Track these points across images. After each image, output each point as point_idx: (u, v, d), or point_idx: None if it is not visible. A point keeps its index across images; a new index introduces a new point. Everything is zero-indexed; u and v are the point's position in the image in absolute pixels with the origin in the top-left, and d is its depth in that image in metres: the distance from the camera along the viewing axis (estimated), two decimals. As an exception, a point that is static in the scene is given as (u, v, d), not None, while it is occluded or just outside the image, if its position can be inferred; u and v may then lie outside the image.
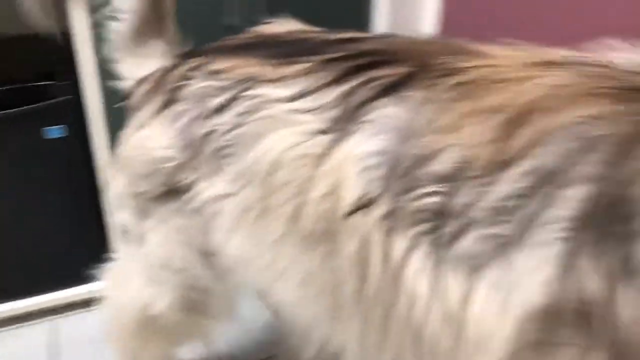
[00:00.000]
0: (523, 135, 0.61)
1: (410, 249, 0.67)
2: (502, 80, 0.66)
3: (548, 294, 0.58)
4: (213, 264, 1.01)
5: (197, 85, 0.91)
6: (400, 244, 0.68)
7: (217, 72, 0.89)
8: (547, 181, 0.59)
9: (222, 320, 1.12)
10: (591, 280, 0.56)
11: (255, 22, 1.00)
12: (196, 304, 1.07)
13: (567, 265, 0.57)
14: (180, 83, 0.93)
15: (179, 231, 0.99)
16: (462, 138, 0.64)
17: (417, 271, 0.66)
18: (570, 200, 0.57)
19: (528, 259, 0.59)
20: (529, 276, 0.59)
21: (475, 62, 0.70)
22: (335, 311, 0.79)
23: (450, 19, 1.41)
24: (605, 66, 0.62)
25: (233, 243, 0.91)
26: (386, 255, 0.69)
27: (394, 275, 0.68)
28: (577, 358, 0.58)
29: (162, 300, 1.05)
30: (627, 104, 0.57)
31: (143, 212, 1.01)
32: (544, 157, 0.59)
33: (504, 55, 0.70)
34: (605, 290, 0.56)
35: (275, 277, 0.87)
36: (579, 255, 0.57)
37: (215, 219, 0.92)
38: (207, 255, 1.00)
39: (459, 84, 0.68)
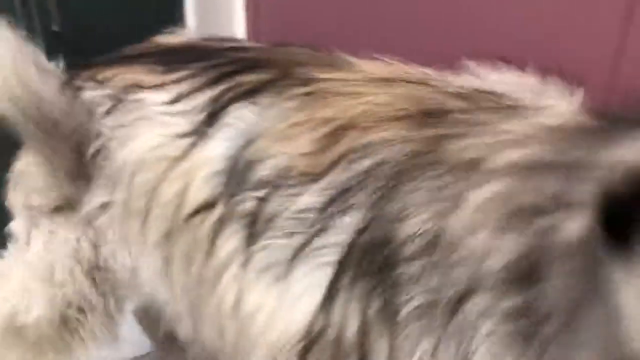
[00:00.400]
0: (334, 151, 0.61)
1: (232, 255, 0.67)
2: (342, 94, 0.66)
3: (309, 323, 0.58)
4: (97, 281, 0.99)
5: (87, 94, 0.91)
6: (224, 249, 0.68)
7: (104, 81, 0.90)
8: (336, 201, 0.58)
9: (98, 344, 1.05)
10: (352, 319, 0.56)
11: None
12: (70, 322, 1.03)
13: (332, 296, 0.57)
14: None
15: (66, 244, 0.98)
16: (289, 147, 0.65)
17: (234, 276, 0.67)
18: (347, 226, 0.57)
19: (304, 279, 0.59)
20: (299, 299, 0.59)
21: (332, 74, 0.70)
22: (177, 302, 0.82)
23: (257, 22, 1.41)
24: (428, 86, 0.62)
25: (120, 254, 0.91)
26: (210, 258, 0.69)
27: (214, 278, 0.69)
28: None
29: (32, 312, 1.02)
30: (419, 129, 0.57)
31: (31, 222, 1.00)
32: (341, 176, 0.59)
33: (363, 70, 0.70)
34: (361, 333, 0.55)
35: (147, 279, 0.88)
36: (345, 287, 0.56)
37: (103, 230, 0.92)
38: (94, 269, 0.99)
39: (305, 93, 0.68)
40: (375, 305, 0.54)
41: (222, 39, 0.93)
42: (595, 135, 0.47)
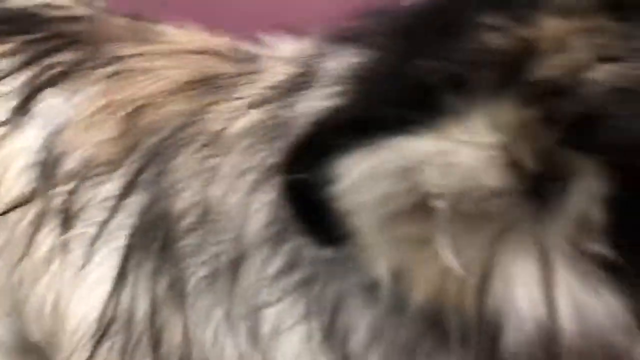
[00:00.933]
0: (132, 134, 0.60)
1: (52, 251, 0.65)
2: (145, 71, 0.64)
3: (101, 312, 0.58)
4: None
5: None
6: (45, 245, 0.66)
7: None
8: (130, 184, 0.58)
9: None
10: (142, 300, 0.56)
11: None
12: None
13: (122, 280, 0.57)
14: None
15: None
16: (93, 135, 0.63)
17: (54, 274, 0.65)
18: (134, 207, 0.57)
19: (98, 268, 0.59)
20: (93, 289, 0.59)
21: (139, 48, 0.68)
22: None
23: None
24: (217, 56, 0.62)
25: None
26: (29, 257, 0.67)
27: (34, 278, 0.67)
28: None
29: None
30: (197, 100, 0.58)
31: None
32: (135, 158, 0.59)
33: (171, 41, 0.68)
34: (151, 313, 0.55)
35: None
36: (133, 270, 0.57)
37: None
38: None
39: (110, 74, 0.66)
40: (164, 283, 0.55)
41: (59, 6, 0.87)
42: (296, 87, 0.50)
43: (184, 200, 0.54)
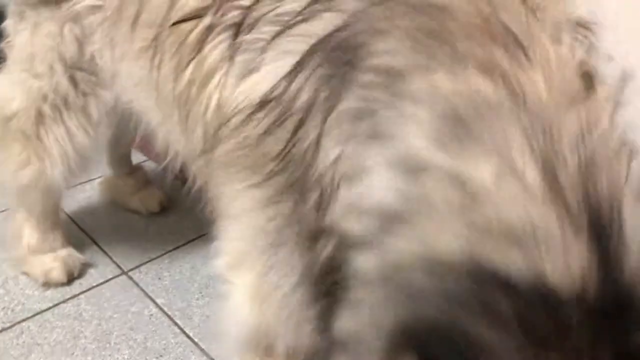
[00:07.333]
0: None
1: (219, 62, 0.74)
2: None
3: (271, 87, 0.65)
4: (78, 79, 1.06)
5: None
6: (213, 55, 0.74)
7: None
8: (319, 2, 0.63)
9: (75, 145, 1.13)
10: (304, 92, 0.63)
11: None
12: (45, 117, 1.09)
13: (297, 69, 0.63)
14: None
15: (49, 37, 1.03)
16: None
17: (218, 83, 0.74)
18: (327, 20, 0.62)
19: (274, 60, 0.66)
20: (266, 73, 0.66)
21: None
22: (159, 105, 0.89)
23: None
24: None
25: (106, 55, 0.97)
26: (199, 63, 0.76)
27: (202, 82, 0.76)
28: None
29: (16, 100, 1.09)
30: None
31: (19, 16, 1.06)
32: None
33: None
34: (305, 109, 0.62)
35: (127, 83, 0.96)
36: (310, 66, 0.62)
37: (91, 30, 0.98)
38: (75, 68, 1.05)
39: None
40: (325, 92, 0.60)
41: None
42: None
43: (382, 47, 0.58)
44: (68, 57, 1.04)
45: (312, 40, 0.62)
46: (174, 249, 1.43)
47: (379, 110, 0.55)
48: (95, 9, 0.94)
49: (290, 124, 0.63)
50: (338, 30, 0.61)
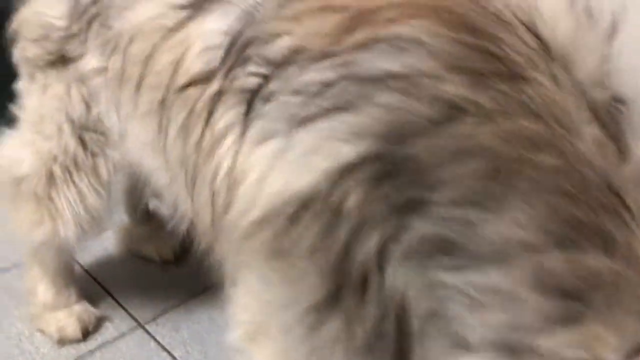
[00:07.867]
0: (356, 36, 0.60)
1: (229, 127, 0.71)
2: None
3: (314, 186, 0.60)
4: (86, 140, 1.06)
5: None
6: (223, 121, 0.71)
7: None
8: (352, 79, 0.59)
9: (86, 204, 1.12)
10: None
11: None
12: (55, 179, 1.09)
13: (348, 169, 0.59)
14: None
15: (57, 98, 1.03)
16: (301, 28, 0.65)
17: (229, 148, 0.71)
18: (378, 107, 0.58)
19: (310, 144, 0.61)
20: (302, 164, 0.61)
21: None
22: (166, 167, 0.87)
23: None
24: None
25: (112, 116, 0.97)
26: (208, 129, 0.73)
27: (211, 147, 0.73)
28: None
29: (26, 162, 1.09)
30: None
31: (30, 77, 1.07)
32: (359, 59, 0.59)
33: None
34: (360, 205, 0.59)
35: (134, 144, 0.95)
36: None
37: (97, 91, 0.98)
38: (83, 129, 1.05)
39: None
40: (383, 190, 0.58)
41: None
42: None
43: None
44: (76, 118, 1.04)
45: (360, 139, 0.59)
46: (191, 298, 1.40)
47: None
48: (100, 70, 0.95)
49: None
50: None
